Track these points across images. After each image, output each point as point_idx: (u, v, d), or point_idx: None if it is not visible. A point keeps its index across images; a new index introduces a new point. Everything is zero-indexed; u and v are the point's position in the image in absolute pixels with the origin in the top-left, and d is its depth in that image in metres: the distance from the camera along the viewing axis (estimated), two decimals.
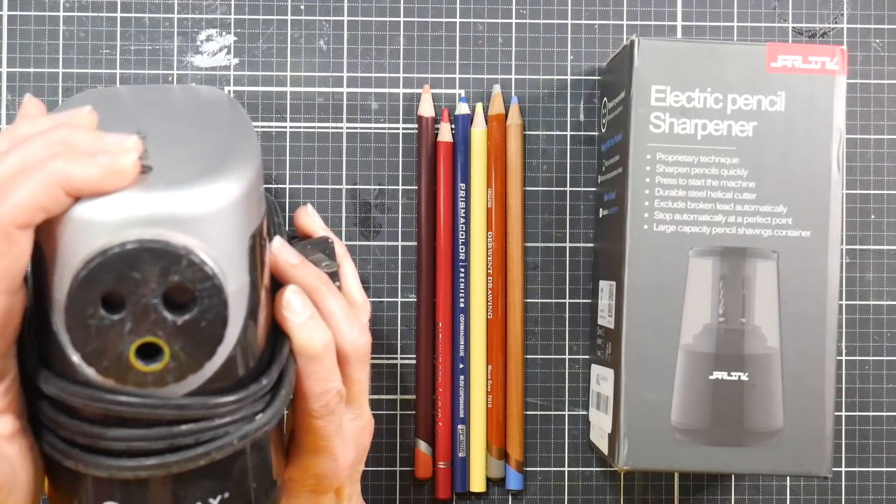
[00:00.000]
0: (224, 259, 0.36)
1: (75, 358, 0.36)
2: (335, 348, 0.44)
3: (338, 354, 0.44)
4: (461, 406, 0.59)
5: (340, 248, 0.49)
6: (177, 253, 0.34)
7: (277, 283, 0.43)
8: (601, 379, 0.56)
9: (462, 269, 0.59)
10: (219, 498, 0.39)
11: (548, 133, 0.60)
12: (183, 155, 0.38)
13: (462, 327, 0.59)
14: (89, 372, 0.36)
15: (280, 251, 0.43)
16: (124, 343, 0.35)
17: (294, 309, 0.42)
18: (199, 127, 0.41)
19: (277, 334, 0.42)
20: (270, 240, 0.43)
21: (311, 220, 0.51)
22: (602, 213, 0.58)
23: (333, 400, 0.44)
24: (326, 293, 0.44)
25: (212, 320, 0.36)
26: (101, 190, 0.35)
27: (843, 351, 0.60)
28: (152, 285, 0.34)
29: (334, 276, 0.46)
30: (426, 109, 0.59)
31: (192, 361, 0.36)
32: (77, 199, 0.35)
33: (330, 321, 0.44)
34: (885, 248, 0.60)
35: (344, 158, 0.60)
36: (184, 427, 0.37)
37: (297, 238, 0.49)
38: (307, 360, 0.42)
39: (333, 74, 0.60)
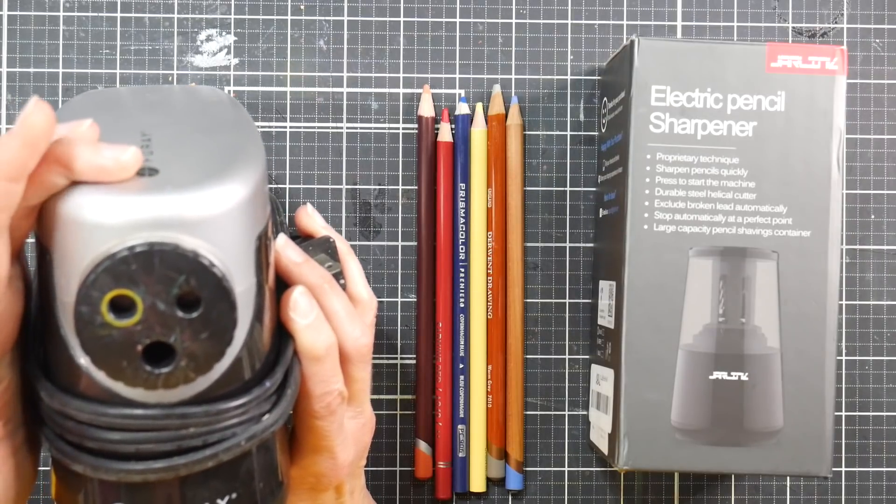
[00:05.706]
0: (232, 261, 0.36)
1: (83, 361, 0.36)
2: (338, 349, 0.44)
3: (340, 354, 0.44)
4: (461, 406, 0.59)
5: (344, 245, 0.49)
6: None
7: (281, 282, 0.43)
8: (601, 379, 0.56)
9: (462, 269, 0.59)
10: (226, 499, 0.39)
11: (548, 133, 0.60)
12: (188, 157, 0.38)
13: (462, 327, 0.59)
14: (98, 375, 0.36)
15: (284, 249, 0.43)
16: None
17: (301, 310, 0.42)
18: (203, 129, 0.41)
19: (282, 334, 0.42)
20: (274, 239, 0.43)
21: (311, 220, 0.50)
22: (602, 213, 0.58)
23: (335, 401, 0.44)
24: (330, 292, 0.44)
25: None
26: (101, 174, 0.35)
27: (843, 351, 0.60)
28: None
29: (338, 276, 0.46)
30: (426, 109, 0.59)
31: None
32: (72, 183, 0.35)
33: (333, 321, 0.44)
34: (885, 248, 0.60)
35: (344, 158, 0.60)
36: (192, 429, 0.37)
37: (300, 238, 0.49)
38: (310, 362, 0.42)
39: (333, 74, 0.60)
